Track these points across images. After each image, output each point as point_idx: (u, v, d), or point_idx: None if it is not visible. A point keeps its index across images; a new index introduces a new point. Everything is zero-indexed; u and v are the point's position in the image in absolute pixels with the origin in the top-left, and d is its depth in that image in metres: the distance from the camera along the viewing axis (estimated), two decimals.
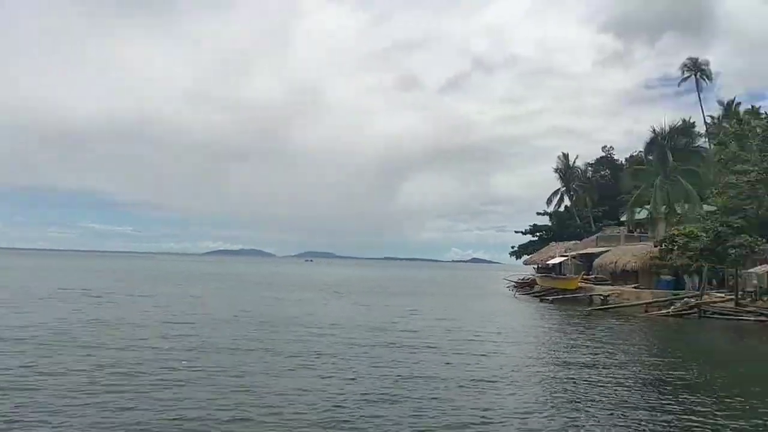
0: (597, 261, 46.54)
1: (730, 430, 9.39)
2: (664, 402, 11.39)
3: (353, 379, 12.58)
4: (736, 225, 27.98)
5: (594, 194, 74.05)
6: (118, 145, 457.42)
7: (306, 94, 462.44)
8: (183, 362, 13.75)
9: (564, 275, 49.50)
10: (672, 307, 31.17)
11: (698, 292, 32.64)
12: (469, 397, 11.06)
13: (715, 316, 29.31)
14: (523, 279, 56.84)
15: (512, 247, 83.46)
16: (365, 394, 11.10)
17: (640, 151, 56.83)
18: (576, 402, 10.95)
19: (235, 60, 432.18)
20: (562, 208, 78.34)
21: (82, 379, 11.69)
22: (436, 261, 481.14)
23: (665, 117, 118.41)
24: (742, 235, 27.53)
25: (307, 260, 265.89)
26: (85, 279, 51.05)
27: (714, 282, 36.13)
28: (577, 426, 9.48)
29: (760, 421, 9.93)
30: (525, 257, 73.07)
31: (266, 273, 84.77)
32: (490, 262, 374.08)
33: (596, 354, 17.43)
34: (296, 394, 10.91)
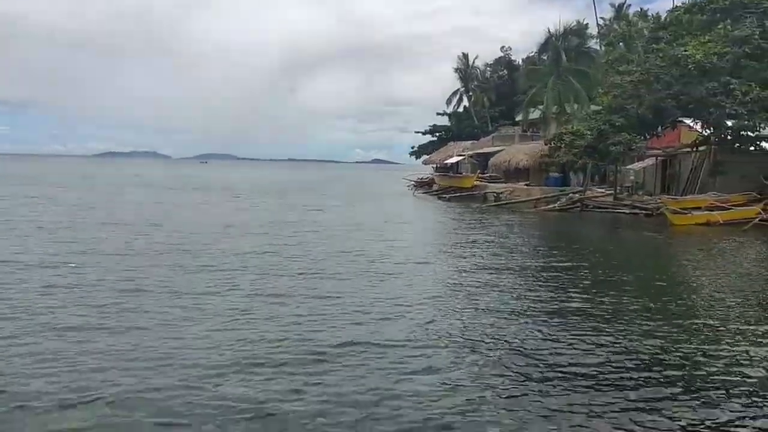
0: (492, 160, 48.20)
1: (609, 311, 10.34)
2: (549, 288, 12.32)
3: (247, 292, 12.54)
4: (617, 123, 29.62)
5: (491, 94, 75.49)
6: None
7: None
8: (71, 265, 13.25)
9: (461, 174, 51.10)
10: (558, 202, 33.17)
11: (582, 188, 34.81)
12: (370, 300, 10.86)
13: (596, 209, 31.56)
14: (421, 178, 58.14)
15: (412, 148, 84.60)
16: (257, 294, 11.20)
17: (536, 52, 58.03)
18: (473, 298, 11.45)
19: None
20: (461, 109, 79.51)
21: None
22: (339, 162, 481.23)
23: (560, 18, 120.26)
24: (622, 134, 29.26)
25: (201, 162, 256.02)
26: None
27: (596, 178, 38.60)
28: (472, 320, 10.11)
29: (630, 298, 11.03)
30: (425, 157, 74.44)
31: (160, 175, 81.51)
32: (391, 162, 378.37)
33: (489, 247, 18.42)
34: (187, 307, 10.50)
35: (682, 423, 5.70)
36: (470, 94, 77.72)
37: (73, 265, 13.25)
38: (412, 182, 57.52)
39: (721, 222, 24.55)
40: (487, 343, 8.18)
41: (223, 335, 8.21)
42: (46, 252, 14.88)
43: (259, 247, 16.85)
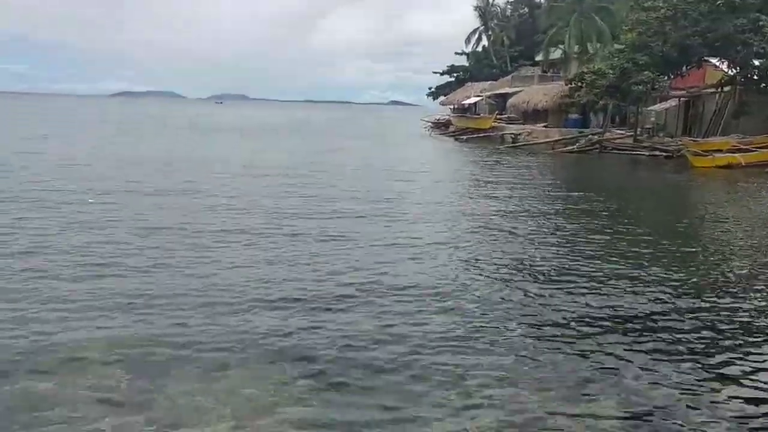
0: (510, 101, 47.45)
1: (626, 245, 10.29)
2: (567, 231, 12.28)
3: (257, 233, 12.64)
4: (641, 62, 28.83)
5: (511, 33, 73.56)
6: None
7: None
8: (90, 200, 13.37)
9: (478, 115, 50.42)
10: (577, 144, 32.70)
11: (601, 130, 34.23)
12: (387, 241, 10.74)
13: (614, 151, 31.11)
14: (438, 120, 57.47)
15: (429, 89, 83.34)
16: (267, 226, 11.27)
17: None
18: (490, 240, 11.42)
19: None
20: (480, 48, 77.73)
21: None
22: (355, 103, 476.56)
23: None
24: (646, 72, 28.51)
25: (217, 102, 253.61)
26: None
27: (617, 120, 37.93)
28: (493, 246, 10.12)
29: (650, 241, 10.94)
30: (442, 98, 73.38)
31: (175, 115, 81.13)
32: (408, 104, 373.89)
33: (506, 188, 18.28)
34: (207, 245, 10.57)
35: (709, 368, 5.62)
36: (490, 33, 75.84)
37: (91, 201, 13.36)
38: (430, 123, 56.89)
39: (743, 164, 24.10)
40: (505, 285, 8.12)
41: (243, 273, 8.24)
42: (64, 189, 14.92)
43: (277, 186, 16.85)
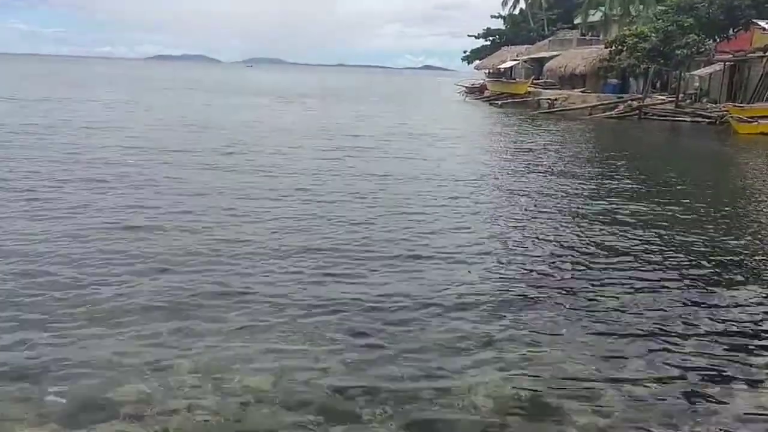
0: (547, 65, 46.47)
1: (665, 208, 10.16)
2: (605, 199, 12.13)
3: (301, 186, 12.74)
4: (686, 24, 27.92)
5: None
6: None
7: None
8: (130, 161, 13.63)
9: (514, 80, 49.53)
10: (615, 109, 31.99)
11: (641, 95, 33.38)
12: (421, 207, 10.58)
13: (655, 117, 30.36)
14: (473, 84, 56.63)
15: (464, 52, 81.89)
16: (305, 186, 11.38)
17: None
18: (525, 208, 11.28)
19: None
20: (517, 11, 75.80)
21: (25, 167, 11.45)
22: (388, 68, 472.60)
23: None
24: (690, 35, 27.62)
25: (248, 66, 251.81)
26: (16, 83, 48.19)
27: (658, 85, 36.88)
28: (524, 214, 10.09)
29: (691, 208, 10.78)
30: (477, 62, 72.14)
31: (210, 79, 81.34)
32: (442, 69, 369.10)
33: (542, 154, 18.08)
34: (247, 208, 10.63)
35: (754, 347, 5.47)
36: None
37: (131, 161, 13.61)
38: (464, 88, 56.12)
39: None
40: (542, 251, 8.04)
41: (285, 232, 8.40)
42: (107, 150, 15.18)
43: (311, 151, 16.87)
